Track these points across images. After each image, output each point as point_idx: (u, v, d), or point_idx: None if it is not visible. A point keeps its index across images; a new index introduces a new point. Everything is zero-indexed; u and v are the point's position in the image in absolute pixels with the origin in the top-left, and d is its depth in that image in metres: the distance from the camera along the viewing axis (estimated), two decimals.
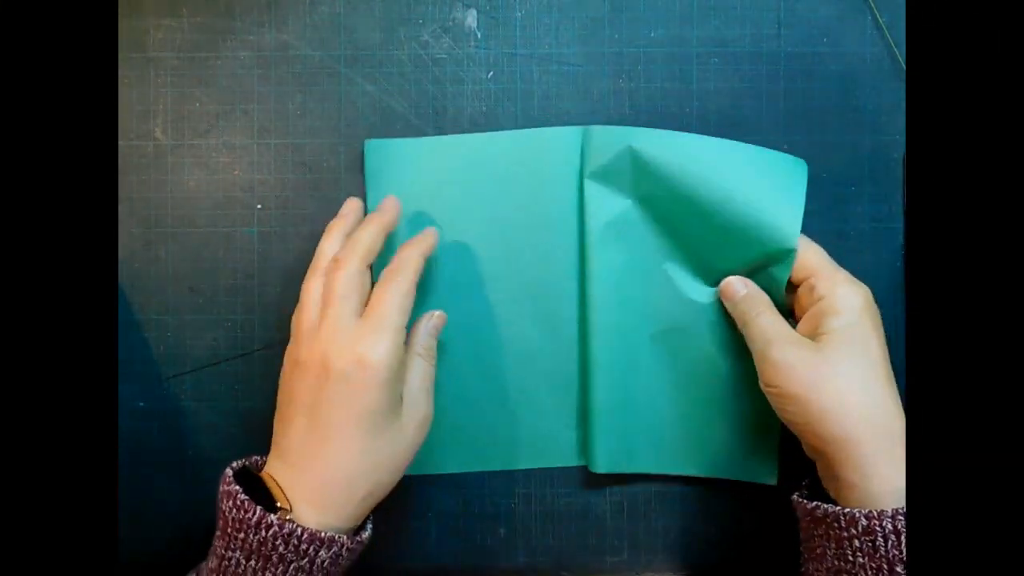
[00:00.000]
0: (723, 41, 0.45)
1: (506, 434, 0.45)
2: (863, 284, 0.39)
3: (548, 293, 0.45)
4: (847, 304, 0.38)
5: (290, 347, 0.39)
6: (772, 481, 0.45)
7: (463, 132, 0.46)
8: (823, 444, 0.37)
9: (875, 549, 0.34)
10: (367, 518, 0.39)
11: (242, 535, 0.35)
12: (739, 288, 0.42)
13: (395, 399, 0.37)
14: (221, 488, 0.37)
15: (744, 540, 0.46)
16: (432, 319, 0.41)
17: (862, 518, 0.34)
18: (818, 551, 0.37)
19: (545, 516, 0.46)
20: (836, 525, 0.35)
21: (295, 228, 0.46)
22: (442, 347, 0.43)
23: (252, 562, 0.35)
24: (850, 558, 0.35)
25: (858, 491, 0.35)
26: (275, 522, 0.35)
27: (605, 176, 0.43)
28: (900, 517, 0.33)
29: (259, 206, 0.46)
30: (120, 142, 0.46)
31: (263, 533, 0.35)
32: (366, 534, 0.38)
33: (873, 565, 0.34)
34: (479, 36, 0.46)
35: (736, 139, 0.45)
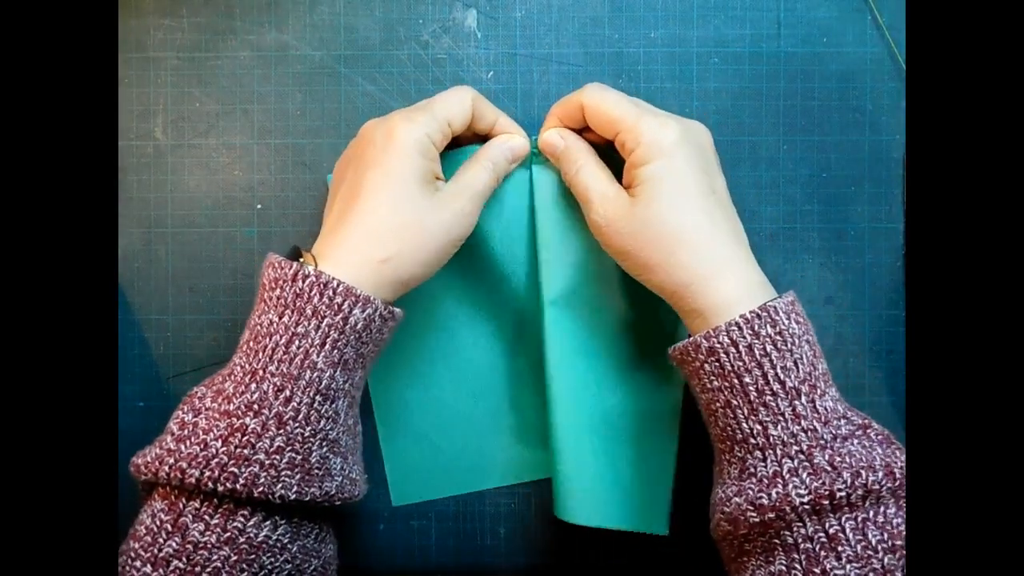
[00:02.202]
0: (723, 41, 0.45)
1: (479, 455, 0.46)
2: (672, 121, 0.38)
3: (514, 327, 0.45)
4: (652, 150, 0.37)
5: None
6: (663, 531, 0.44)
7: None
8: (660, 291, 0.38)
9: (722, 367, 0.34)
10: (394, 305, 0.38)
11: (277, 291, 0.35)
12: (557, 142, 0.41)
13: (425, 176, 0.38)
14: (264, 264, 0.37)
15: None
16: (514, 144, 0.41)
17: (703, 341, 0.35)
18: (697, 395, 0.37)
19: (545, 516, 0.46)
20: (688, 359, 0.36)
21: (295, 228, 0.46)
22: (423, 377, 0.45)
23: (285, 318, 0.35)
24: (708, 385, 0.35)
25: (701, 321, 0.36)
26: (312, 272, 0.35)
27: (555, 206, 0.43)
28: (733, 328, 0.34)
29: (259, 206, 0.46)
30: (120, 142, 0.46)
31: (300, 284, 0.35)
32: (399, 310, 0.38)
33: (726, 384, 0.34)
34: (479, 36, 0.46)
35: (736, 139, 0.45)
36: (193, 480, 0.33)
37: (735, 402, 0.34)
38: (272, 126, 0.46)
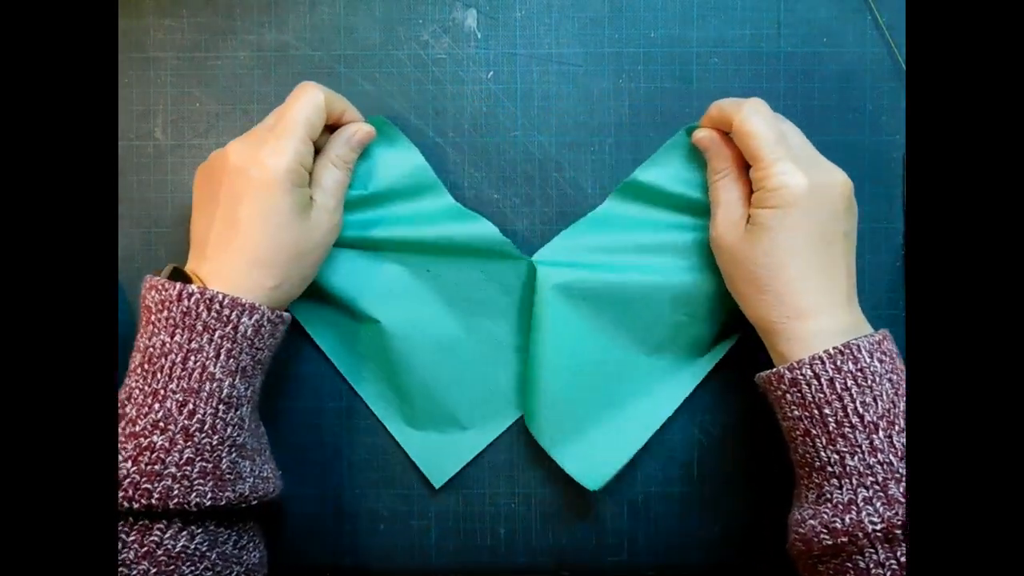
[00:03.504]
0: (723, 41, 0.45)
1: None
2: (806, 172, 0.38)
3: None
4: (774, 197, 0.38)
5: (203, 164, 0.41)
6: (593, 487, 0.44)
7: (463, 132, 0.46)
8: (750, 319, 0.40)
9: (803, 398, 0.36)
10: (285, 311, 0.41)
11: (165, 313, 0.36)
12: (708, 144, 0.42)
13: (299, 200, 0.39)
14: (143, 287, 0.38)
15: (744, 540, 0.46)
16: (357, 133, 0.42)
17: (786, 372, 0.37)
18: (779, 422, 0.39)
19: (545, 516, 0.46)
20: (772, 387, 0.38)
21: None
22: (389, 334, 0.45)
23: (177, 337, 0.36)
24: (789, 414, 0.37)
25: (788, 351, 0.38)
26: (196, 290, 0.36)
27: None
28: (816, 362, 0.35)
29: None
30: (120, 142, 0.46)
31: (186, 302, 0.36)
32: (287, 314, 0.40)
33: (806, 414, 0.36)
34: (479, 36, 0.46)
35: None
36: None
37: (814, 431, 0.36)
38: None
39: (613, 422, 0.45)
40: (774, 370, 0.38)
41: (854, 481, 0.34)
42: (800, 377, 0.36)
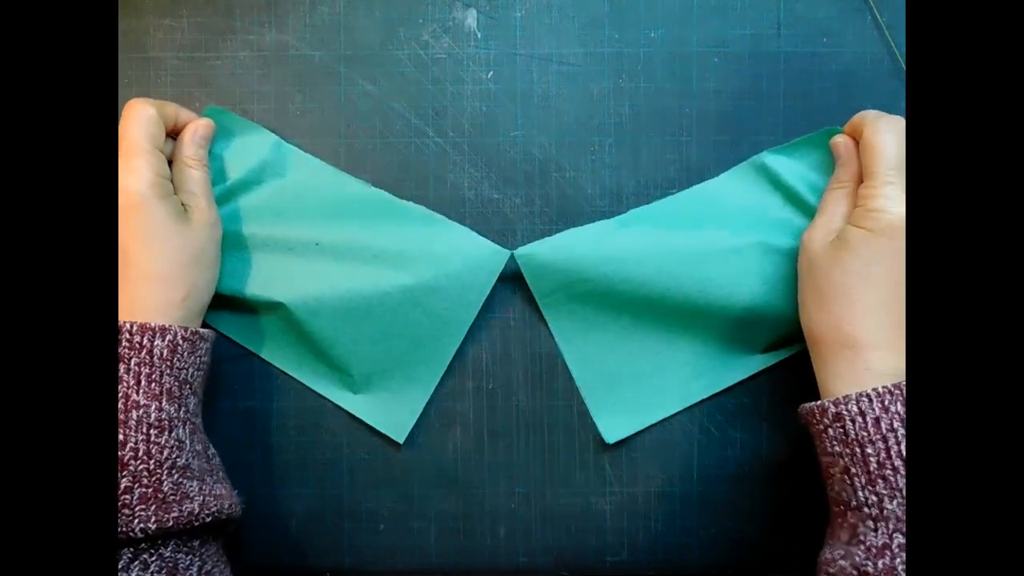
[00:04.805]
0: (723, 41, 0.45)
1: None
2: (899, 210, 0.37)
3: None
4: (869, 219, 0.37)
5: None
6: (608, 439, 0.45)
7: (463, 132, 0.46)
8: (806, 334, 0.40)
9: (846, 434, 0.35)
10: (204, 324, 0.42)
11: None
12: (841, 152, 0.42)
13: (173, 209, 0.39)
14: None
15: (744, 540, 0.46)
16: (198, 129, 0.42)
17: (831, 406, 0.36)
18: (818, 456, 0.38)
19: (545, 516, 0.46)
20: (814, 420, 0.37)
21: None
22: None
23: None
24: (829, 449, 0.36)
25: (834, 384, 0.38)
26: None
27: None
28: (864, 399, 0.35)
29: None
30: None
31: None
32: (206, 331, 0.40)
33: (847, 451, 0.35)
34: (479, 36, 0.46)
35: (736, 139, 0.45)
36: None
37: (854, 470, 0.35)
38: (272, 126, 0.46)
39: (651, 383, 0.45)
40: (819, 403, 0.37)
41: (891, 526, 0.33)
42: (845, 413, 0.35)
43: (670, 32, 0.45)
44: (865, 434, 0.35)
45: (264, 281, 0.44)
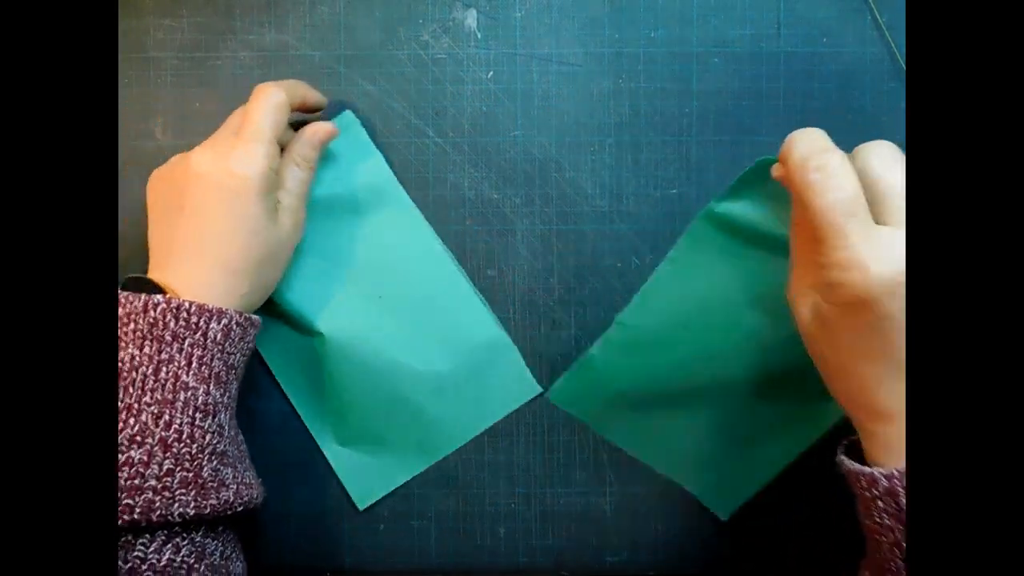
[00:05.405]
0: (723, 41, 0.45)
1: (459, 400, 0.45)
2: (878, 256, 0.30)
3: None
4: (838, 295, 0.32)
5: (160, 168, 0.41)
6: (724, 517, 0.45)
7: (463, 132, 0.46)
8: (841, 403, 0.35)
9: (900, 510, 0.31)
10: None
11: (131, 325, 0.36)
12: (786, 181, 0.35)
13: (270, 205, 0.39)
14: None
15: (743, 540, 0.46)
16: (319, 132, 0.42)
17: (882, 479, 0.31)
18: (859, 508, 0.34)
19: (545, 516, 0.46)
20: (860, 487, 0.33)
21: None
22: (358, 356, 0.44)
23: (146, 349, 0.35)
24: (877, 519, 0.32)
25: (880, 452, 0.33)
26: (162, 300, 0.36)
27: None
28: None
29: None
30: (120, 142, 0.46)
31: (152, 313, 0.35)
32: (255, 317, 0.40)
33: (900, 526, 0.31)
34: (479, 36, 0.46)
35: (736, 139, 0.45)
36: None
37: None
38: None
39: (744, 456, 0.45)
40: (867, 472, 0.32)
41: None
42: (900, 488, 0.31)
43: (670, 32, 0.45)
44: None
45: (315, 303, 0.44)
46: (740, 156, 0.45)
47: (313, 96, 0.42)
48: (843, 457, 0.34)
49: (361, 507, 0.46)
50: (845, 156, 0.32)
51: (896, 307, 0.30)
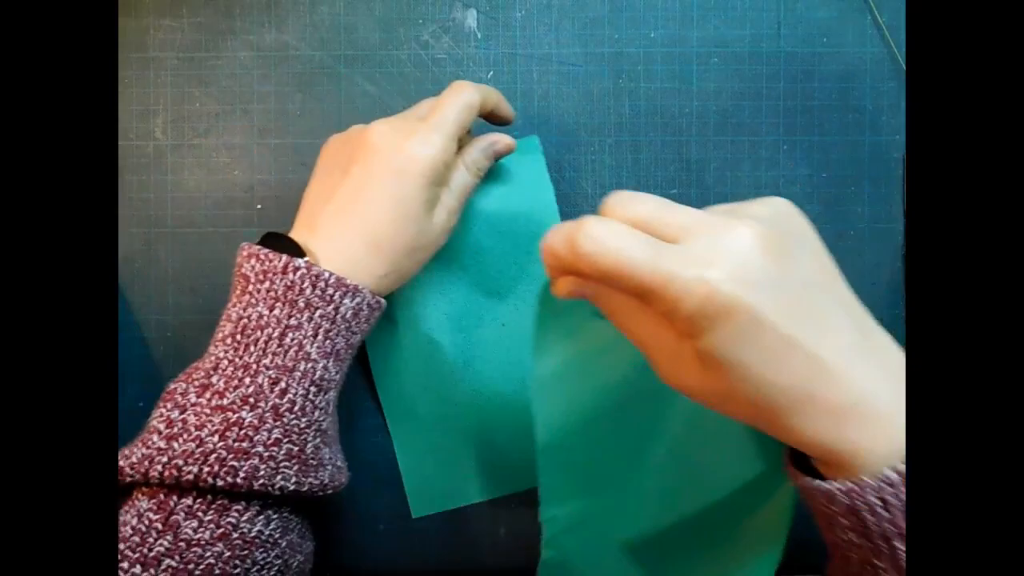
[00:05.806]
0: (723, 41, 0.45)
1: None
2: (712, 259, 0.26)
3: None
4: (695, 324, 0.27)
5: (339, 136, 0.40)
6: None
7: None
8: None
9: (866, 529, 0.27)
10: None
11: (267, 284, 0.35)
12: (578, 293, 0.31)
13: (430, 196, 0.38)
14: (240, 255, 0.37)
15: None
16: (497, 144, 0.41)
17: (840, 496, 0.28)
18: (819, 522, 0.31)
19: None
20: (817, 503, 0.29)
21: None
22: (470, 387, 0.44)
23: (276, 311, 0.35)
24: (843, 537, 0.29)
25: (830, 467, 0.29)
26: (303, 264, 0.35)
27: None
28: (885, 486, 0.26)
29: (259, 206, 0.46)
30: (120, 142, 0.46)
31: (291, 276, 0.35)
32: (384, 302, 0.39)
33: (869, 545, 0.28)
34: (479, 36, 0.46)
35: (736, 139, 0.45)
36: (191, 477, 0.32)
37: (881, 564, 0.27)
38: (272, 126, 0.46)
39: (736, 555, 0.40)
40: (820, 486, 0.28)
41: None
42: (862, 506, 0.27)
43: (670, 32, 0.45)
44: (891, 528, 0.27)
45: (433, 309, 0.44)
46: (740, 156, 0.45)
47: (505, 108, 0.42)
48: (793, 468, 0.30)
49: (415, 515, 0.45)
50: (591, 217, 0.27)
51: (753, 296, 0.26)
